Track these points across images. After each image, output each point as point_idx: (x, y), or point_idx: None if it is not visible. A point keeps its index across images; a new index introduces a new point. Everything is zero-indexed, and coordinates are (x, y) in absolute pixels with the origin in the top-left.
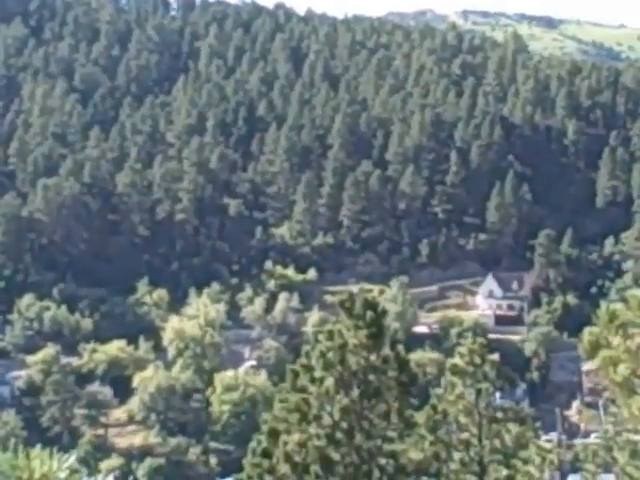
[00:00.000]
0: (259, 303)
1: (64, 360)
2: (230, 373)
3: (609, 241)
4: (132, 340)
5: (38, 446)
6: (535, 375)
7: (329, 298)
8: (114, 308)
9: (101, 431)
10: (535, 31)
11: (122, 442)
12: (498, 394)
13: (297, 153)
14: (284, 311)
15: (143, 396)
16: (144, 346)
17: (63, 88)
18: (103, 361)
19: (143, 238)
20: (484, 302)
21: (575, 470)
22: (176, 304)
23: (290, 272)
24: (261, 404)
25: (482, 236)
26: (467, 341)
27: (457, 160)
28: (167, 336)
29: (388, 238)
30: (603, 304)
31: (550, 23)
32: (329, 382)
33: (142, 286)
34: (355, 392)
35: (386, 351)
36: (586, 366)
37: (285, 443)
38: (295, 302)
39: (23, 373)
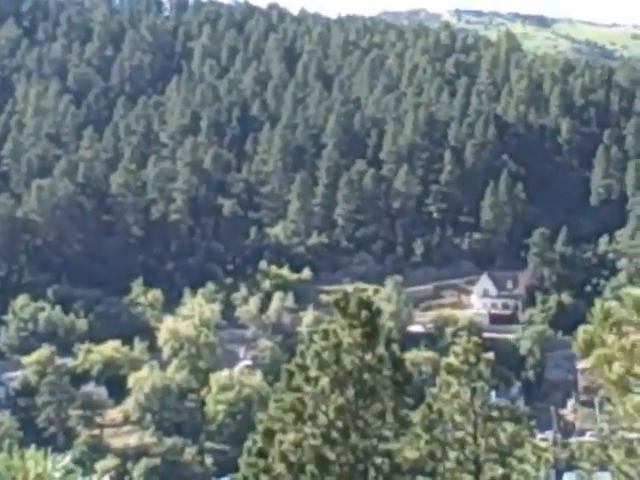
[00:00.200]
0: (254, 303)
1: (59, 361)
2: (225, 373)
3: (603, 239)
4: (127, 340)
5: (33, 447)
6: (530, 374)
7: (324, 297)
8: (109, 308)
9: (96, 431)
10: (528, 30)
11: (117, 442)
12: (493, 393)
13: (291, 153)
14: (279, 311)
15: (138, 396)
16: (139, 346)
17: (56, 89)
18: (98, 361)
19: (137, 238)
20: (479, 301)
21: (571, 468)
22: (171, 304)
23: (285, 272)
24: (256, 404)
25: (476, 235)
26: (462, 340)
27: (451, 159)
28: (162, 336)
29: (383, 237)
30: (598, 302)
31: (543, 22)
32: (324, 381)
33: (137, 286)
34: (350, 391)
35: (381, 350)
36: (581, 364)
37: (281, 443)
38: (290, 302)
39: (18, 374)
